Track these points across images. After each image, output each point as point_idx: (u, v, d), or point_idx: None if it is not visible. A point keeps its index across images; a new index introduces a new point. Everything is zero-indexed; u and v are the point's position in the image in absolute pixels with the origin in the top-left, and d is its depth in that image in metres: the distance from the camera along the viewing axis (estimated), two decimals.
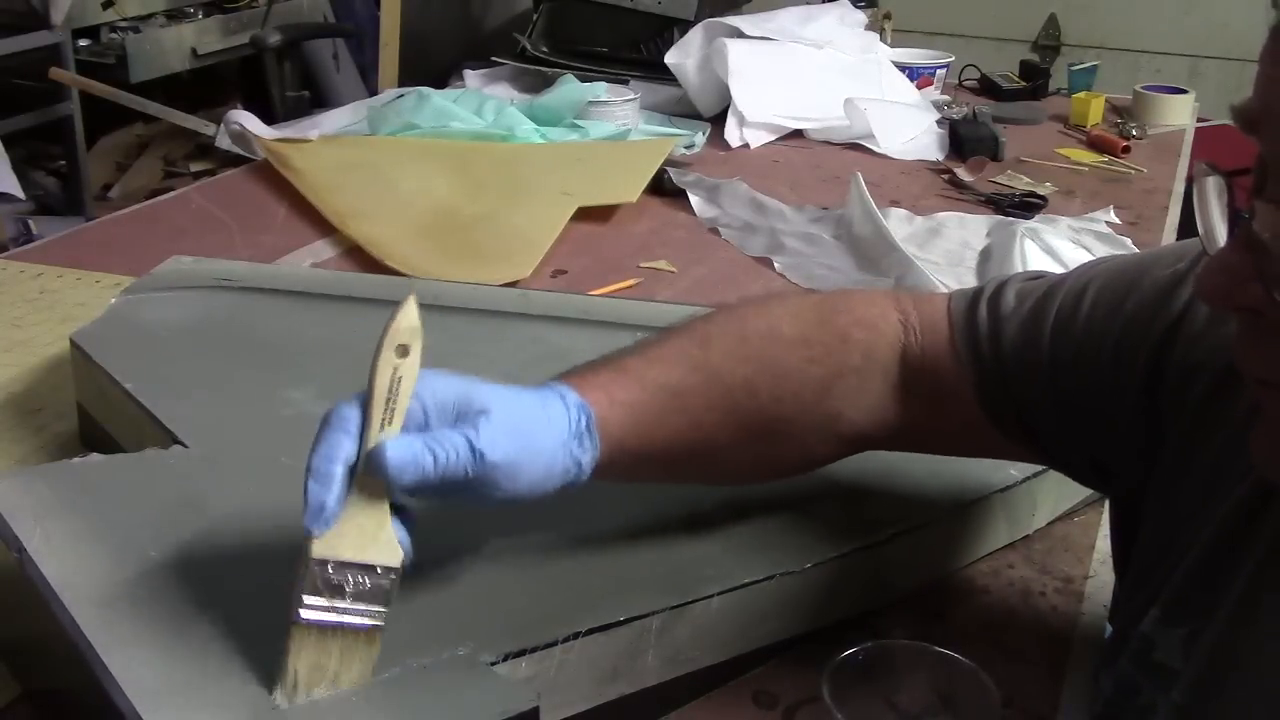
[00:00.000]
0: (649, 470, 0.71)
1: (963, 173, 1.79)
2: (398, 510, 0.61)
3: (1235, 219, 0.52)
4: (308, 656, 0.60)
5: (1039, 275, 0.76)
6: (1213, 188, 0.53)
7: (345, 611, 0.59)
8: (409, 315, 0.60)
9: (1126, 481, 0.70)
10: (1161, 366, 0.66)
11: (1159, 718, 0.62)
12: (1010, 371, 0.72)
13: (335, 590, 0.59)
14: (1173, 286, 0.67)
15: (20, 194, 2.75)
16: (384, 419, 0.60)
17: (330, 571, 0.59)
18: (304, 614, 0.59)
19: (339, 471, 0.59)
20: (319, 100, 2.91)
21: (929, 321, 0.75)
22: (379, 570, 0.60)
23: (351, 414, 0.60)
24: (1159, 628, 0.63)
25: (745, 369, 0.71)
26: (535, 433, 0.63)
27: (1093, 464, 0.73)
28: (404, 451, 0.59)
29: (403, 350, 0.60)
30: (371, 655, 0.61)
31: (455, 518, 0.75)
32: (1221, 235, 0.53)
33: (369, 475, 0.59)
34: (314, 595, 0.59)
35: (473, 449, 0.60)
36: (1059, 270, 1.38)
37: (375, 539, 0.60)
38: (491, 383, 0.63)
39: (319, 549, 0.59)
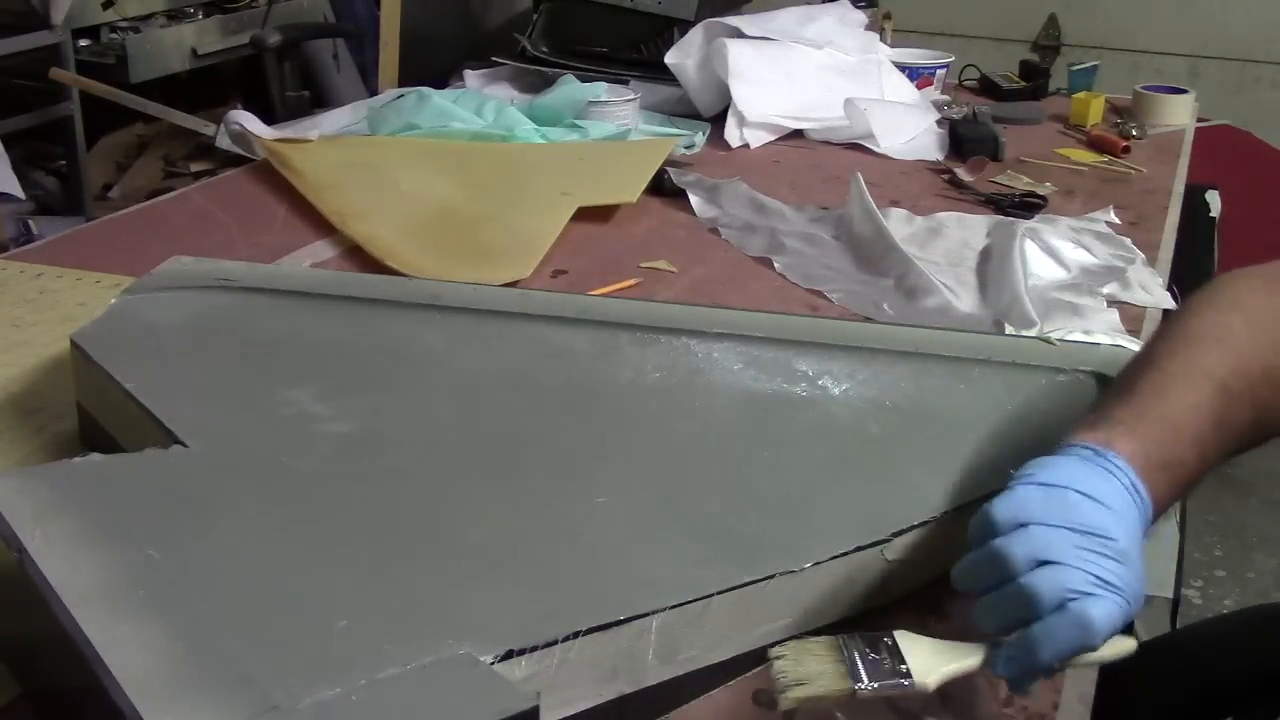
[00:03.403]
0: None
1: (963, 173, 1.79)
2: None
3: None
4: (799, 659, 0.66)
5: None
6: None
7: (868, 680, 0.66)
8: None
9: None
10: None
11: None
12: None
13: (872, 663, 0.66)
14: None
15: (20, 194, 2.75)
16: None
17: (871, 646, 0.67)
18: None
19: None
20: (319, 100, 2.91)
21: None
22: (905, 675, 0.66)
23: None
24: None
25: (1266, 356, 0.73)
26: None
27: None
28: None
29: None
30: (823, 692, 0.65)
31: (453, 516, 0.76)
32: None
33: None
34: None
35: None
36: (1060, 272, 1.39)
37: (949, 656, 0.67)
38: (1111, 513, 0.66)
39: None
